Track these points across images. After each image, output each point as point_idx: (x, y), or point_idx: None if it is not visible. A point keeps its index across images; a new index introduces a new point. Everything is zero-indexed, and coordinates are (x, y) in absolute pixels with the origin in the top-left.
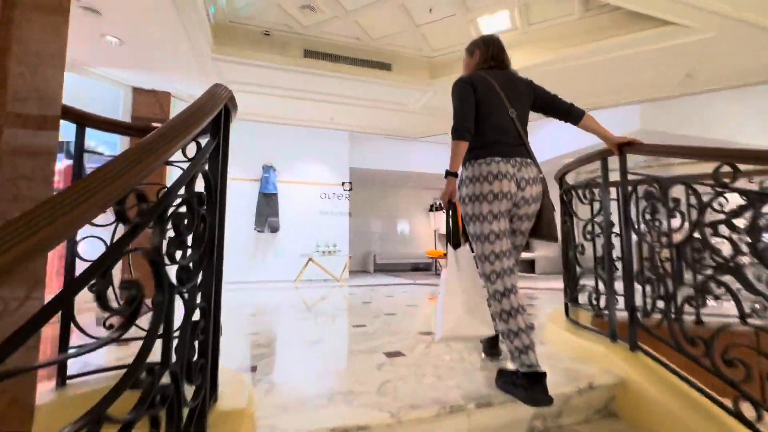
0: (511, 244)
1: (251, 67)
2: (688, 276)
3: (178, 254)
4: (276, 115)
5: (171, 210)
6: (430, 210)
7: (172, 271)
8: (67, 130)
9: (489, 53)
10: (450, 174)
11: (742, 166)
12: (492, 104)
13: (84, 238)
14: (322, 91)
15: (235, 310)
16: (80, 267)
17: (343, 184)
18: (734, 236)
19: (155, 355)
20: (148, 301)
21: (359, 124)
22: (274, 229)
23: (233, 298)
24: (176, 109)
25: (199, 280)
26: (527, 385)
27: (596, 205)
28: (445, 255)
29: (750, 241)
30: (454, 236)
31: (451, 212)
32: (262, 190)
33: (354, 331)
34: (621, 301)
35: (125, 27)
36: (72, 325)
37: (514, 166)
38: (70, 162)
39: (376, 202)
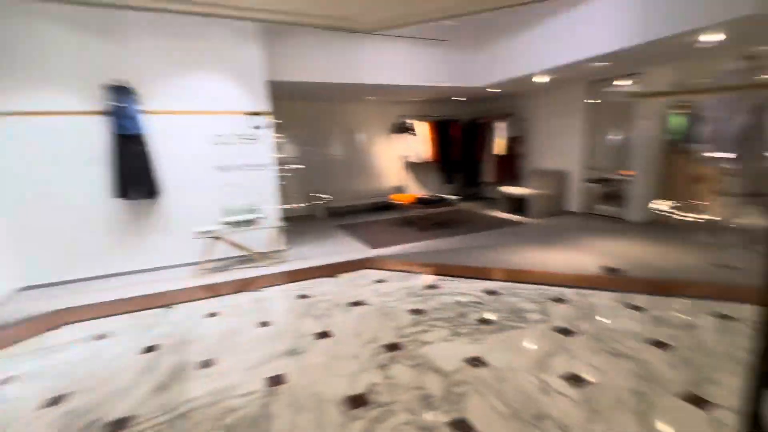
0: None
1: None
2: None
3: None
4: None
5: None
6: (395, 132)
7: None
8: None
9: None
10: None
11: None
12: None
13: None
14: None
15: None
16: None
17: (254, 116)
18: None
19: None
20: None
21: (274, 7)
22: (151, 193)
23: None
24: None
25: None
26: None
27: None
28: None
29: None
30: None
31: None
32: (117, 130)
33: None
34: None
35: None
36: None
37: None
38: None
39: (319, 123)
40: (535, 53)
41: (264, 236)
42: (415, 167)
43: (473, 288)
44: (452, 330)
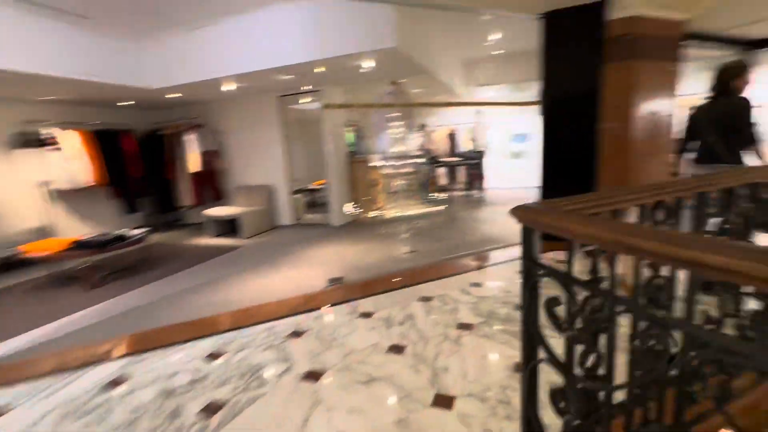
0: None
1: None
2: None
3: None
4: None
5: None
6: (22, 146)
7: None
8: None
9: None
10: None
11: None
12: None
13: None
14: None
15: None
16: None
17: None
18: None
19: None
20: None
21: None
22: None
23: None
24: None
25: None
26: None
27: None
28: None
29: None
30: None
31: None
32: None
33: None
34: None
35: None
36: None
37: None
38: None
39: None
40: (221, 56)
41: None
42: (69, 197)
43: (187, 358)
44: None
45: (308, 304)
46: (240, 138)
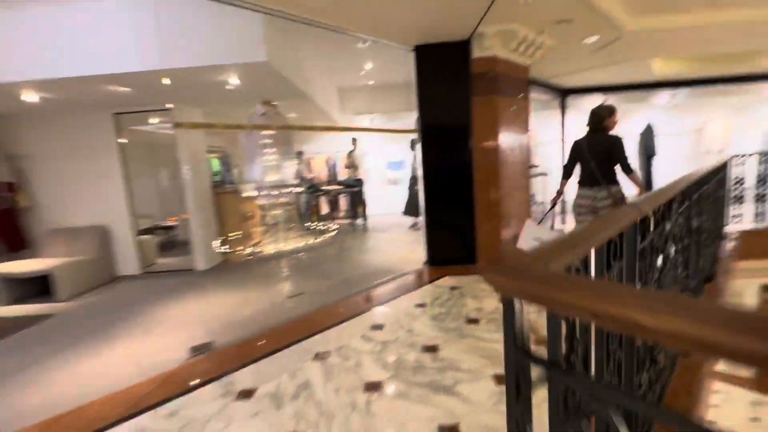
0: None
1: None
2: None
3: None
4: None
5: None
6: None
7: None
8: None
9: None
10: None
11: None
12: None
13: None
14: None
15: None
16: None
17: None
18: None
19: None
20: None
21: None
22: None
23: None
24: None
25: None
26: None
27: None
28: None
29: None
30: None
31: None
32: None
33: None
34: None
35: None
36: None
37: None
38: None
39: None
40: (10, 54)
41: None
42: None
43: None
44: None
45: (160, 391)
46: (57, 166)
